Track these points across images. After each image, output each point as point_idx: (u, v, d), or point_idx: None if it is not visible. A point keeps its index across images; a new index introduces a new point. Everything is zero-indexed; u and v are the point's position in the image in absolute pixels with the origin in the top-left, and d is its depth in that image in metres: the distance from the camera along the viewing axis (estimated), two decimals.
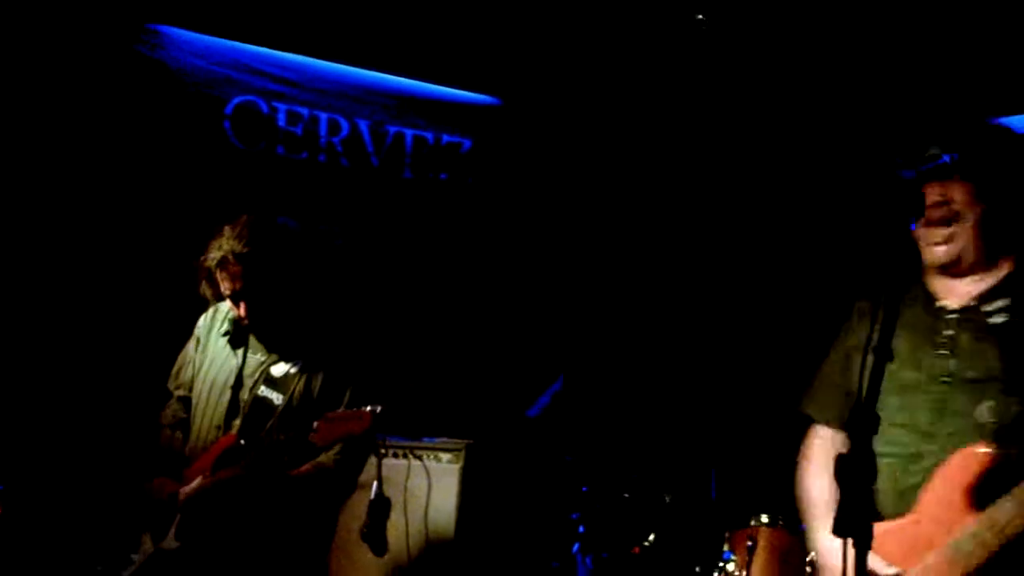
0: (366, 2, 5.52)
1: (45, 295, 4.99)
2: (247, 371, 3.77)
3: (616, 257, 6.06)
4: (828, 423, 3.04)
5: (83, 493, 4.68)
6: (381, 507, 4.12)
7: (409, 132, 5.92)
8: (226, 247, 3.63)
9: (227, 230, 3.68)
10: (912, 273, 2.89)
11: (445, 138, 5.98)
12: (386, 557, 4.26)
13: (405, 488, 4.75)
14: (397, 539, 4.61)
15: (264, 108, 5.63)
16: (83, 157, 5.14)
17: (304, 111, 5.70)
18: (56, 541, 4.52)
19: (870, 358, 2.25)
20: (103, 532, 3.83)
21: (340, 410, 3.56)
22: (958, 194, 2.71)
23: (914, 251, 2.77)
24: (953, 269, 2.78)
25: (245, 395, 3.73)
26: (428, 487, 4.76)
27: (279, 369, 3.76)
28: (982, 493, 2.57)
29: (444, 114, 5.97)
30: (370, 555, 4.16)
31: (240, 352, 3.80)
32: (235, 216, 3.73)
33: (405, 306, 5.67)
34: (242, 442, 3.64)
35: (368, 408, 3.48)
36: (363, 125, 5.82)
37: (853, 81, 5.55)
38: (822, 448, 3.03)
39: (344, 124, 5.78)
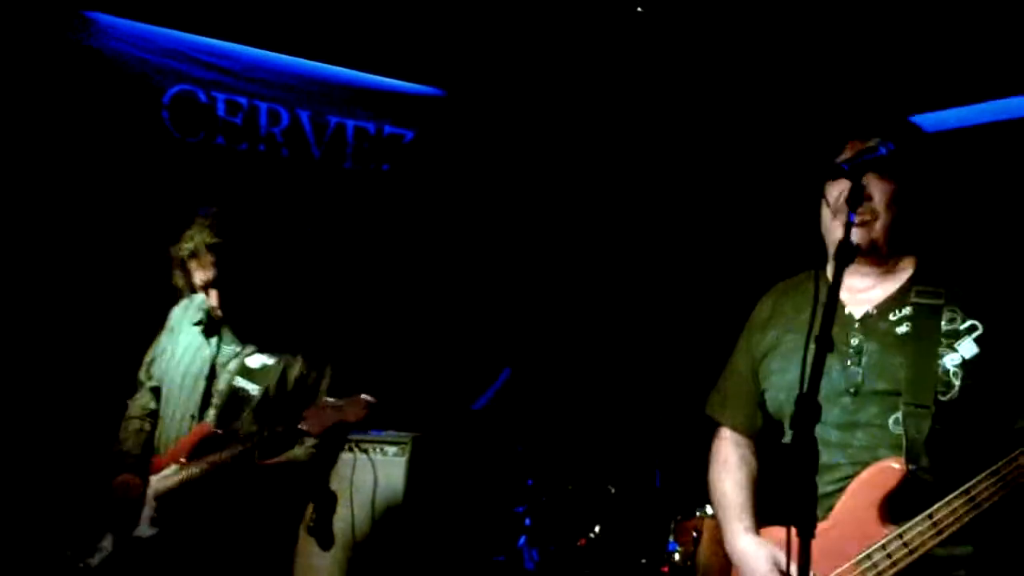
0: None
1: None
2: (220, 361, 3.76)
3: (561, 250, 6.07)
4: (736, 428, 3.03)
5: (49, 483, 4.60)
6: (327, 501, 4.11)
7: (350, 123, 5.86)
8: (198, 238, 3.63)
9: (199, 220, 3.68)
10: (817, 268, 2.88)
11: (387, 129, 5.94)
12: (332, 551, 4.24)
13: (351, 481, 4.73)
14: (343, 532, 4.59)
15: (203, 97, 5.55)
16: (17, 148, 5.03)
17: (243, 101, 5.63)
18: (22, 528, 4.43)
19: (811, 348, 2.24)
20: (70, 520, 3.77)
21: (331, 398, 3.57)
22: (877, 192, 2.69)
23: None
24: (865, 258, 2.75)
25: (220, 385, 3.71)
26: (374, 480, 4.75)
27: (255, 360, 3.75)
28: (895, 508, 2.58)
29: (386, 105, 5.92)
30: (317, 549, 4.15)
31: (213, 342, 3.79)
32: (207, 206, 3.73)
33: (347, 298, 5.62)
34: (219, 432, 3.62)
35: (363, 396, 3.51)
36: (303, 115, 5.76)
37: (784, 77, 5.61)
38: (732, 451, 3.03)
39: (284, 114, 5.72)
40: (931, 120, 4.89)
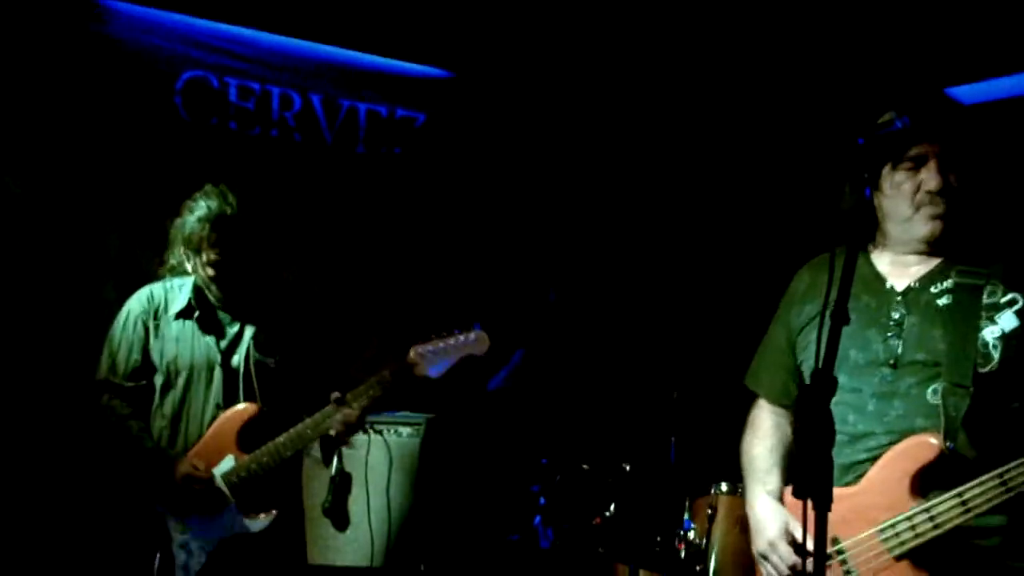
0: None
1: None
2: (227, 343, 3.76)
3: (571, 230, 6.07)
4: (770, 399, 3.08)
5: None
6: (342, 482, 4.13)
7: (362, 106, 5.86)
8: (215, 209, 3.68)
9: (205, 195, 3.75)
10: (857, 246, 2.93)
11: (399, 112, 5.93)
12: (348, 531, 4.27)
13: (366, 463, 4.76)
14: (359, 513, 4.62)
15: (215, 83, 5.56)
16: (32, 134, 5.06)
17: (256, 86, 5.63)
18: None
19: (827, 323, 2.24)
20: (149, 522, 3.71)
21: (440, 336, 3.69)
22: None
23: (864, 222, 2.81)
24: (930, 247, 2.80)
25: (239, 366, 3.73)
26: (389, 461, 4.78)
27: (253, 332, 3.77)
28: (927, 482, 2.61)
29: (397, 88, 5.91)
30: (332, 530, 4.17)
31: (213, 325, 3.78)
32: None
33: (360, 280, 5.65)
34: (264, 410, 3.69)
35: (476, 329, 3.71)
36: (316, 99, 5.76)
37: (811, 52, 5.58)
38: (766, 418, 3.07)
39: (296, 98, 5.72)
40: (966, 92, 4.85)
